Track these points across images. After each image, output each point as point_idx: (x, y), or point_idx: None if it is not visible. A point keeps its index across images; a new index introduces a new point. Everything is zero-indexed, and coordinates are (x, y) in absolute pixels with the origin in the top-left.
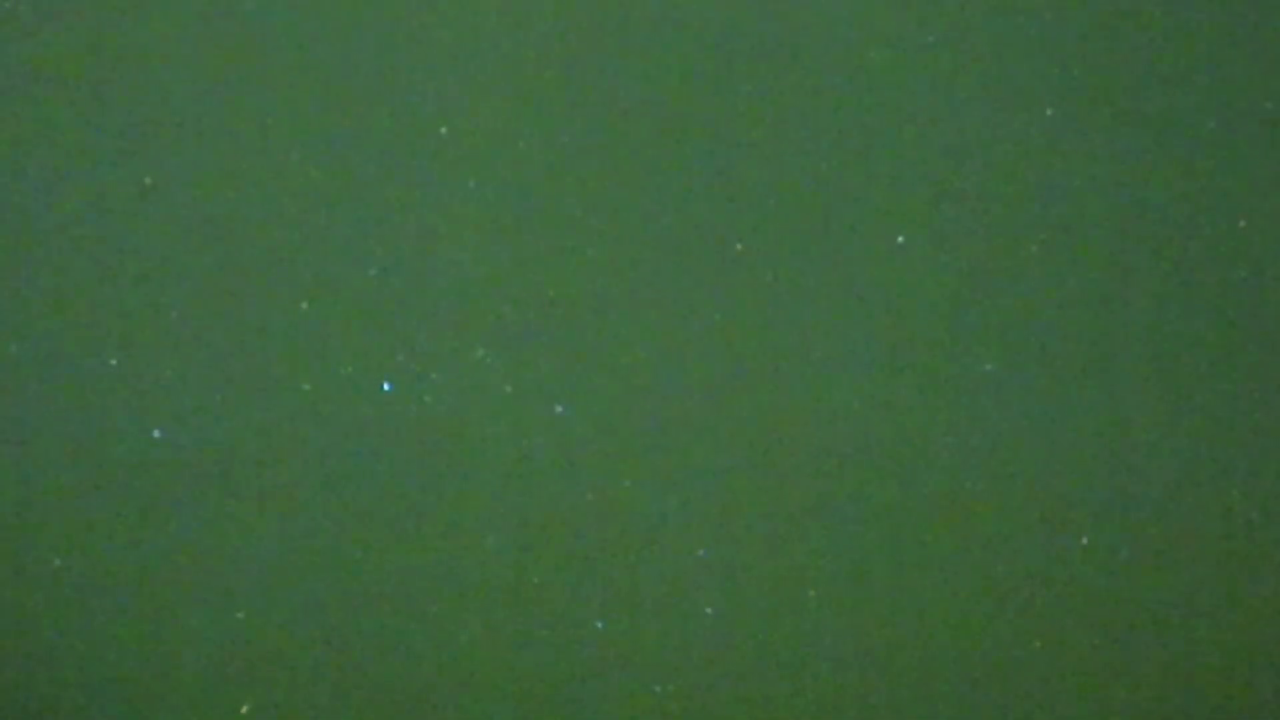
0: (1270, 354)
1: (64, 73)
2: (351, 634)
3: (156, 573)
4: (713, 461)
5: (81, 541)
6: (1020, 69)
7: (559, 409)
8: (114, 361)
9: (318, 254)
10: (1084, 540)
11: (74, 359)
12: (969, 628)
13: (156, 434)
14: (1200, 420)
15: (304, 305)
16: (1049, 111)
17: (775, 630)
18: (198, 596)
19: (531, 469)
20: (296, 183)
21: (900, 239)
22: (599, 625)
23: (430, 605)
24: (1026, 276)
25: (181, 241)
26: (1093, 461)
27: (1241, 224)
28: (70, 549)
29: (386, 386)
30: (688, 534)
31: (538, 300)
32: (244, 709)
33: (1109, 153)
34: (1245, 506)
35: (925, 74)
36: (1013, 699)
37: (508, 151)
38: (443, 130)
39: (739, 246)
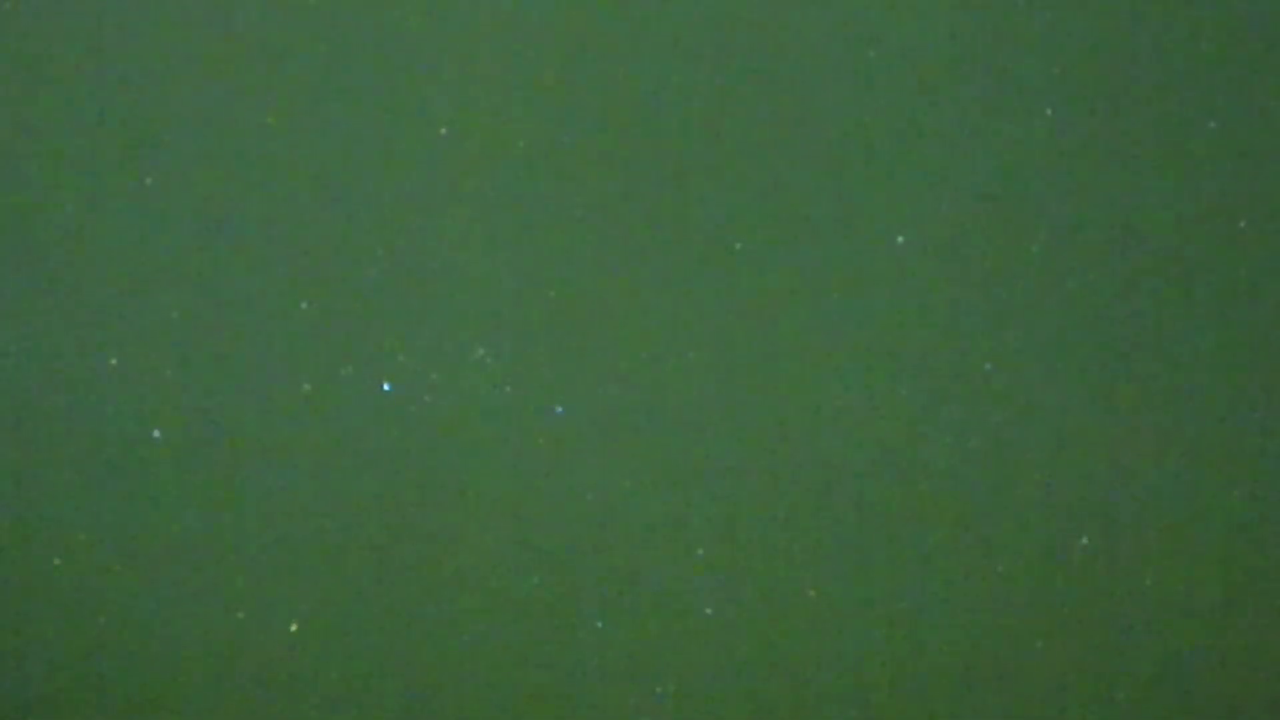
0: (1270, 354)
1: (64, 73)
2: (351, 634)
3: (156, 572)
4: (713, 461)
5: (81, 541)
6: (1020, 69)
7: (559, 409)
8: (114, 361)
9: (318, 254)
10: (1084, 540)
11: (74, 359)
12: (969, 628)
13: (156, 434)
14: (1200, 420)
15: (304, 305)
16: (1049, 111)
17: (775, 630)
18: (198, 596)
19: (531, 469)
20: (296, 183)
21: (900, 239)
22: (599, 625)
23: (430, 605)
24: (1026, 276)
25: (181, 241)
26: (1093, 461)
27: (1241, 224)
28: (70, 549)
29: (386, 386)
30: (688, 534)
31: (538, 300)
32: (244, 707)
33: (1109, 153)
34: (1245, 506)
35: (925, 74)
36: (1013, 699)
37: (508, 151)
38: (443, 130)
39: (739, 246)
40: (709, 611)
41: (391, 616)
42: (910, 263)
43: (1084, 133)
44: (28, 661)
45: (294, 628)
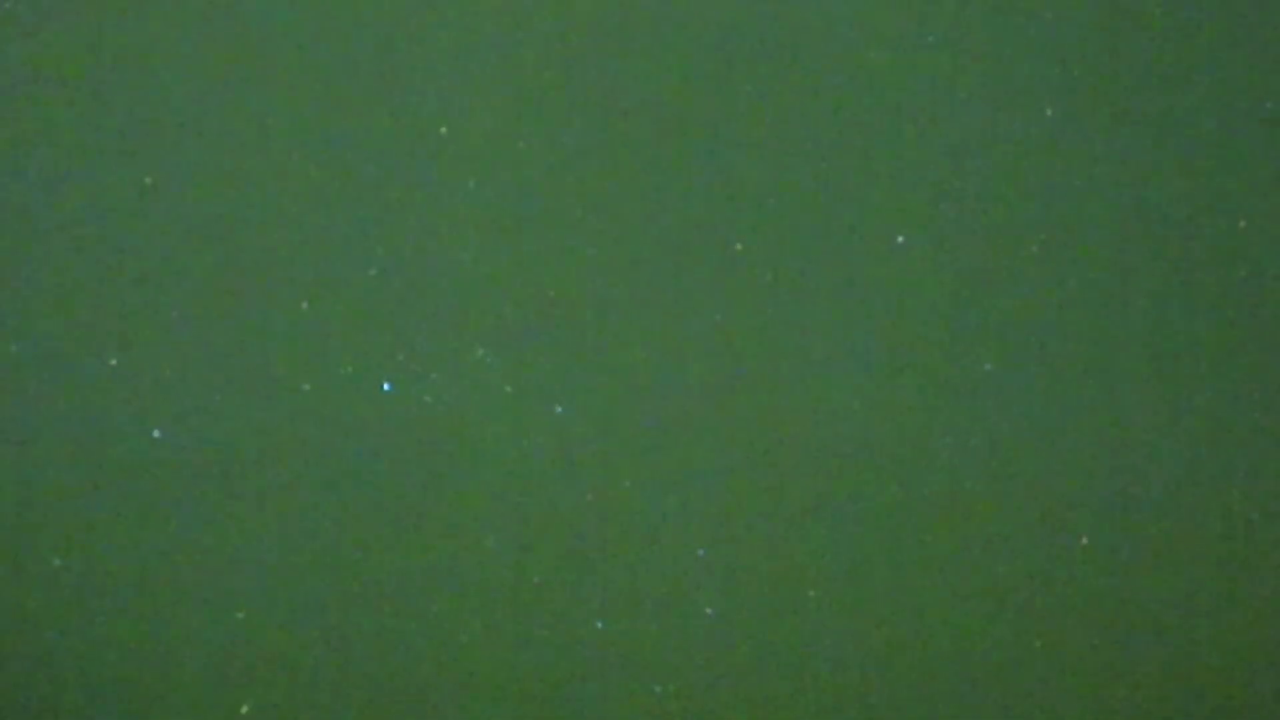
0: (1270, 354)
1: (64, 73)
2: (351, 634)
3: (156, 573)
4: (713, 461)
5: (81, 541)
6: (1020, 69)
7: (559, 409)
8: (114, 361)
9: (318, 254)
10: (1084, 540)
11: (74, 359)
12: (969, 628)
13: (156, 434)
14: (1200, 420)
15: (304, 305)
16: (1049, 111)
17: (775, 630)
18: (198, 596)
19: (531, 469)
20: (296, 183)
21: (900, 239)
22: (599, 625)
23: (430, 605)
24: (1026, 276)
25: (181, 241)
26: (1093, 461)
27: (1241, 224)
28: (70, 549)
29: (386, 386)
30: (688, 534)
31: (538, 300)
32: (244, 709)
33: (1109, 153)
34: (1245, 506)
35: (925, 74)
36: (1013, 699)
37: (508, 151)
38: (443, 130)
39: (739, 246)
40: (709, 611)
41: (391, 616)
42: (910, 263)
43: (1084, 133)
44: (28, 661)
45: (291, 633)
